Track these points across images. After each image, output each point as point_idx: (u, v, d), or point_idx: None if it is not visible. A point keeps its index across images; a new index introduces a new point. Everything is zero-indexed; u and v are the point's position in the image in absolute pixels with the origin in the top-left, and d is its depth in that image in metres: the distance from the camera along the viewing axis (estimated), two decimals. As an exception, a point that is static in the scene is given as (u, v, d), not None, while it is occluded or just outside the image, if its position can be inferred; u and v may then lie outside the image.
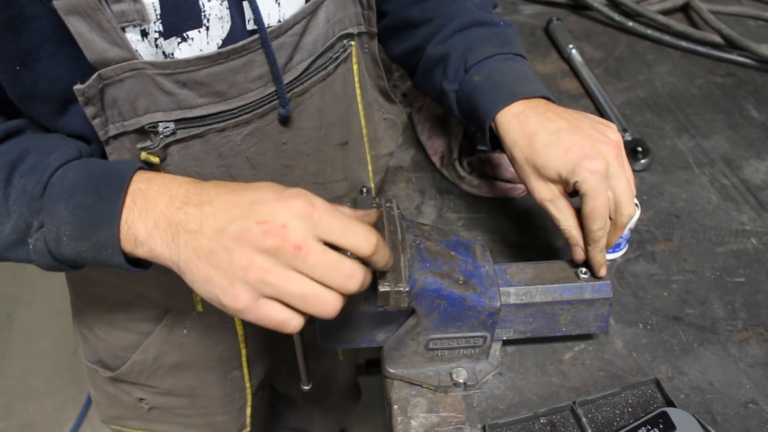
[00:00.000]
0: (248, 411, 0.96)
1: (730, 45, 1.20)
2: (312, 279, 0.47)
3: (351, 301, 0.57)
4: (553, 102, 0.72)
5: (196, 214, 0.48)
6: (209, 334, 0.82)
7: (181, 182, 0.52)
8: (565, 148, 0.64)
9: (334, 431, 1.62)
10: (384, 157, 0.87)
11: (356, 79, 0.74)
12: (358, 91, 0.75)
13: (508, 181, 0.91)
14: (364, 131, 0.79)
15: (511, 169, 0.89)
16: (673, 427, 0.62)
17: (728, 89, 1.15)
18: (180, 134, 0.59)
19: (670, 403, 0.66)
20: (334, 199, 0.71)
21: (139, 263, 0.54)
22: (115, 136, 0.57)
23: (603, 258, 0.67)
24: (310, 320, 0.51)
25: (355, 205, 0.64)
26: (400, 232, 0.63)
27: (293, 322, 0.48)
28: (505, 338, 0.70)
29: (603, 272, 0.67)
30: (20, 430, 1.85)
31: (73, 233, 0.52)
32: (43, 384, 1.96)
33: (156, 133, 0.58)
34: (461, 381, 0.67)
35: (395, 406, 0.68)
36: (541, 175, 0.66)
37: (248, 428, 0.99)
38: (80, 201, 0.51)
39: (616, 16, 1.29)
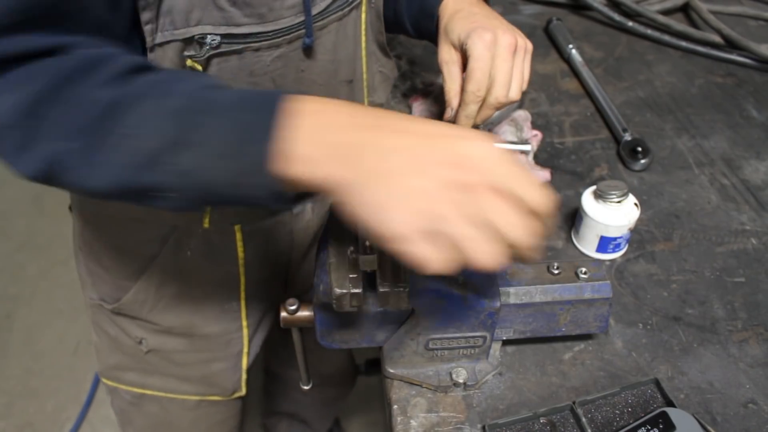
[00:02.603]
0: (244, 362, 0.97)
1: (730, 45, 1.20)
2: (486, 226, 0.45)
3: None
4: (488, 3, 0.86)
5: (391, 138, 0.46)
6: (212, 255, 0.84)
7: (359, 108, 0.50)
8: (471, 20, 0.77)
9: (328, 418, 1.62)
10: (377, 107, 0.94)
11: (363, 27, 0.81)
12: (363, 38, 0.82)
13: (508, 181, 0.91)
14: (364, 76, 0.86)
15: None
16: (673, 427, 0.62)
17: (728, 89, 1.15)
18: (223, 48, 0.65)
19: (669, 403, 0.66)
20: None
21: (281, 200, 0.50)
22: (161, 44, 0.62)
23: (467, 124, 0.78)
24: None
25: None
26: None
27: (438, 261, 0.45)
28: (504, 338, 0.70)
29: None
30: (20, 430, 1.85)
31: (216, 150, 0.48)
32: (43, 384, 1.95)
33: (202, 44, 0.63)
34: (461, 381, 0.67)
35: (395, 406, 0.68)
36: (448, 38, 0.79)
37: (243, 390, 1.00)
38: (232, 115, 0.48)
39: (616, 16, 1.29)
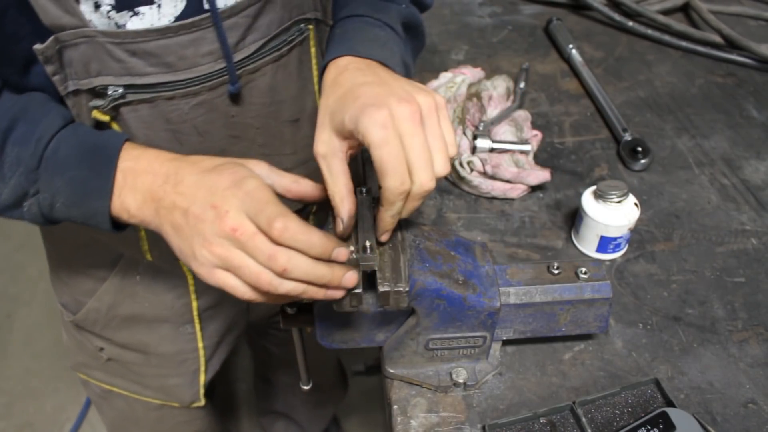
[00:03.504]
0: (201, 379, 0.97)
1: (730, 45, 1.20)
2: (248, 256, 0.53)
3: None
4: (388, 67, 0.66)
5: (170, 193, 0.55)
6: (161, 280, 0.84)
7: (164, 160, 0.58)
8: (357, 96, 0.57)
9: (321, 420, 1.62)
10: None
11: (314, 61, 0.77)
12: (315, 73, 0.78)
13: (508, 181, 0.91)
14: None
15: (511, 169, 0.89)
16: (673, 427, 0.62)
17: (728, 89, 1.15)
18: (129, 98, 0.63)
19: (670, 403, 0.66)
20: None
21: (121, 226, 0.61)
22: (75, 92, 0.62)
23: (391, 224, 0.59)
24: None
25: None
26: (400, 232, 0.63)
27: (241, 289, 0.54)
28: (505, 338, 0.70)
29: (385, 238, 0.60)
30: (20, 430, 1.85)
31: (67, 201, 0.59)
32: (43, 384, 1.95)
33: (106, 94, 0.62)
34: (461, 381, 0.67)
35: (395, 406, 0.68)
36: (332, 122, 0.59)
37: (201, 401, 1.00)
38: (74, 175, 0.58)
39: (616, 16, 1.29)
